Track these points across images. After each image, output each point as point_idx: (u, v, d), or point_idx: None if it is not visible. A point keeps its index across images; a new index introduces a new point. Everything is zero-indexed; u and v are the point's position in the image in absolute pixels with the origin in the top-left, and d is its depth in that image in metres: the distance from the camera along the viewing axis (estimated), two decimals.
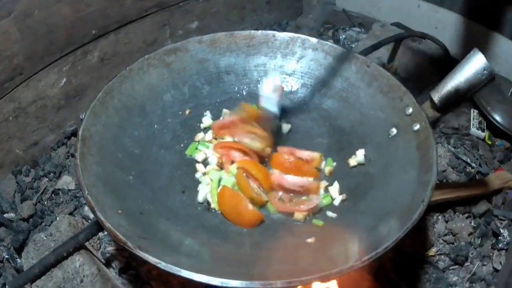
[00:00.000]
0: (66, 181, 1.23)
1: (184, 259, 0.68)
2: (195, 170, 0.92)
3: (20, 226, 1.12)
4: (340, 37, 1.65)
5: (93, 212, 0.70)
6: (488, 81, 0.82)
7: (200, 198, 0.86)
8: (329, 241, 0.76)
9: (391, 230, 0.70)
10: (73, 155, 1.30)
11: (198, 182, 0.90)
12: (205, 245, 0.76)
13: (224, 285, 0.61)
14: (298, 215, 0.83)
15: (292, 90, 1.06)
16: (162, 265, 0.63)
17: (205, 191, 0.86)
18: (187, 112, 1.01)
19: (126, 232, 0.68)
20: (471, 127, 1.35)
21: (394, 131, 0.91)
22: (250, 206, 0.80)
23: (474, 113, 1.39)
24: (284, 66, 1.06)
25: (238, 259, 0.74)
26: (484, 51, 0.81)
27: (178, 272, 0.62)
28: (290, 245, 0.77)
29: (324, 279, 0.63)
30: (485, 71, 0.81)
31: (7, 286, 0.94)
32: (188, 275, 0.62)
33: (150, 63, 0.98)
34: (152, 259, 0.64)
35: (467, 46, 0.86)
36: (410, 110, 0.89)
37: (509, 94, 1.37)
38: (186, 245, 0.75)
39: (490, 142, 1.33)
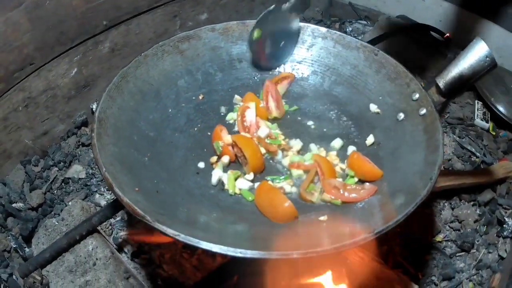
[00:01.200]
0: (77, 170, 1.25)
1: (201, 233, 0.69)
2: (210, 153, 0.93)
3: (28, 215, 1.12)
4: (347, 30, 1.67)
5: (111, 188, 0.71)
6: (490, 68, 0.85)
7: (214, 181, 0.87)
8: (342, 218, 0.78)
9: (402, 206, 0.72)
10: (83, 145, 1.31)
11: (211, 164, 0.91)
12: (221, 222, 0.77)
13: (243, 255, 0.62)
14: (317, 197, 0.84)
15: (303, 76, 1.08)
16: (181, 237, 0.64)
17: (218, 175, 0.87)
18: (200, 97, 1.02)
19: (144, 208, 0.69)
20: (476, 118, 1.37)
21: (401, 115, 0.93)
22: (287, 203, 0.78)
23: (478, 104, 1.41)
24: (295, 54, 1.08)
25: (253, 235, 0.76)
26: (488, 44, 0.84)
27: (197, 243, 0.63)
28: (304, 222, 0.78)
29: (339, 250, 0.65)
30: (487, 58, 0.84)
31: (14, 275, 0.94)
32: (207, 247, 0.63)
33: (165, 49, 1.00)
34: (170, 231, 0.65)
35: (471, 39, 0.88)
36: (417, 95, 0.92)
37: None
38: (202, 222, 0.76)
39: (494, 133, 1.35)
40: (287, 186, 0.86)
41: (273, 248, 0.65)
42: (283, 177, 0.88)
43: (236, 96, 1.03)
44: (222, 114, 1.02)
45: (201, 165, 0.90)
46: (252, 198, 0.84)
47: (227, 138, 0.91)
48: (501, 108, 1.35)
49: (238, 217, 0.80)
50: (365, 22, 1.74)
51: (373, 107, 0.98)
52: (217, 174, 0.87)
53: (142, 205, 0.70)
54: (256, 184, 0.86)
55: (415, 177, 0.79)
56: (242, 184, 0.86)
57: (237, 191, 0.85)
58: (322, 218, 0.79)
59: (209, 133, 0.96)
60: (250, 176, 0.87)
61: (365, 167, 0.87)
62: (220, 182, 0.87)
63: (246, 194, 0.84)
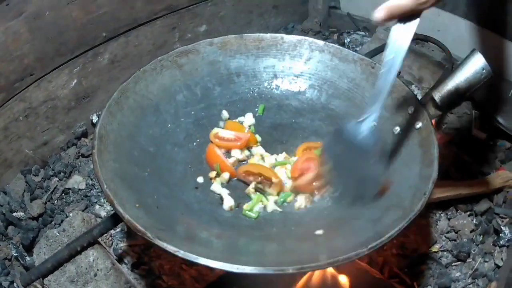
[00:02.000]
0: (77, 181, 1.25)
1: (200, 249, 0.71)
2: (207, 168, 0.95)
3: (29, 224, 1.13)
4: (345, 41, 1.68)
5: (112, 205, 0.72)
6: (486, 80, 0.86)
7: (226, 207, 0.88)
8: (336, 232, 0.79)
9: (395, 221, 0.73)
10: (83, 155, 1.33)
11: (210, 179, 0.93)
12: (219, 237, 0.78)
13: (240, 271, 0.64)
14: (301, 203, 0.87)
15: (300, 90, 1.09)
16: (181, 253, 0.65)
17: (230, 203, 0.88)
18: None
19: (144, 224, 0.70)
20: (473, 128, 1.38)
21: (397, 129, 0.94)
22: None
23: (475, 114, 1.41)
24: (293, 67, 1.08)
25: (250, 249, 0.77)
26: (485, 53, 0.84)
27: (196, 259, 0.65)
28: (300, 237, 0.80)
29: (333, 265, 0.66)
30: (483, 71, 0.85)
31: (15, 283, 0.95)
32: (205, 262, 0.65)
33: (163, 64, 1.00)
34: (171, 248, 0.66)
35: (469, 49, 0.89)
36: (413, 109, 0.92)
37: (510, 95, 1.39)
38: (201, 237, 0.77)
39: (491, 143, 1.36)
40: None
41: (269, 264, 0.66)
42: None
43: (223, 111, 1.04)
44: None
45: (200, 179, 0.92)
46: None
47: (226, 175, 0.92)
48: (498, 118, 1.36)
49: (236, 232, 0.81)
50: (363, 33, 1.75)
51: None
52: (229, 201, 0.88)
53: (142, 222, 0.71)
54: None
55: (410, 191, 0.79)
56: (271, 206, 0.88)
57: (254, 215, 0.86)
58: (318, 232, 0.80)
59: (207, 147, 0.98)
60: (275, 197, 0.90)
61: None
62: (219, 198, 0.89)
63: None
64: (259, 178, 0.89)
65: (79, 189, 1.24)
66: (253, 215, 0.85)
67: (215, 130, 0.99)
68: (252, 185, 0.89)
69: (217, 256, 0.66)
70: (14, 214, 1.14)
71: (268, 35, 1.08)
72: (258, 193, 0.89)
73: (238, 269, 0.64)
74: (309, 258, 0.67)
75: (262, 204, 0.88)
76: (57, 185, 1.25)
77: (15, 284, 0.96)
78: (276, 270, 0.64)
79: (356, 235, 0.75)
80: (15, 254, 1.05)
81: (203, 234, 0.78)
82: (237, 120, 1.04)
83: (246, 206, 0.87)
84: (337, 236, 0.78)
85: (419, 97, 0.96)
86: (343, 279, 0.90)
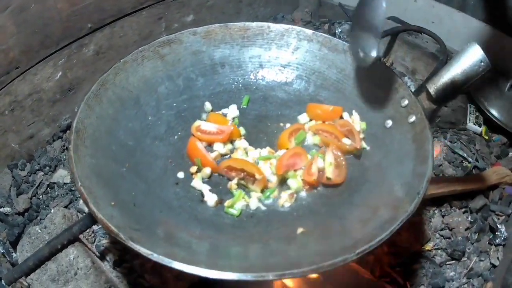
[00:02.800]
0: (62, 175, 1.24)
1: (177, 250, 0.68)
2: (189, 163, 0.91)
3: (15, 220, 1.12)
4: (336, 31, 1.65)
5: (86, 203, 0.70)
6: (484, 73, 0.82)
7: (211, 203, 0.84)
8: (322, 233, 0.76)
9: (386, 222, 0.69)
10: (67, 149, 1.30)
11: (191, 174, 0.89)
12: (198, 237, 0.75)
13: (216, 277, 0.61)
14: (285, 200, 0.84)
15: (287, 81, 1.05)
16: (154, 256, 0.63)
17: (214, 199, 0.85)
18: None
19: (118, 224, 0.68)
20: (468, 122, 1.35)
21: (389, 122, 0.91)
22: None
23: (471, 108, 1.38)
24: (279, 57, 1.05)
25: (231, 251, 0.73)
26: (481, 46, 0.81)
27: (170, 263, 0.62)
28: (284, 238, 0.76)
29: (316, 271, 0.63)
30: (481, 63, 0.82)
31: (2, 281, 0.94)
32: (179, 267, 0.62)
33: (145, 55, 0.97)
34: (144, 251, 0.63)
35: (464, 41, 0.85)
36: (406, 102, 0.89)
37: (506, 89, 1.37)
38: (179, 237, 0.74)
39: (487, 137, 1.33)
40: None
41: (251, 268, 0.64)
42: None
43: (206, 103, 1.01)
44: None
45: (181, 175, 0.88)
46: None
47: (207, 170, 0.88)
48: (494, 112, 1.33)
49: (217, 231, 0.78)
50: None
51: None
52: (212, 197, 0.84)
53: (116, 221, 0.68)
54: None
55: (402, 190, 0.76)
56: (254, 203, 0.84)
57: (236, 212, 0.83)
58: (299, 230, 0.77)
59: (188, 140, 0.94)
60: (259, 193, 0.86)
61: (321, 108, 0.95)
62: (200, 194, 0.85)
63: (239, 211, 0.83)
64: (242, 174, 0.86)
65: (64, 183, 1.22)
66: (235, 212, 0.82)
67: (197, 122, 0.96)
68: (234, 181, 0.86)
69: (194, 259, 0.64)
70: (1, 209, 1.13)
71: (254, 23, 1.04)
72: (240, 189, 0.85)
73: (216, 275, 0.61)
74: (292, 263, 0.64)
75: (244, 201, 0.84)
76: (42, 180, 1.23)
77: (2, 282, 0.94)
78: (255, 277, 0.61)
79: (344, 237, 0.72)
80: (1, 251, 1.05)
81: (182, 234, 0.75)
82: (220, 112, 1.01)
83: (227, 203, 0.83)
84: (324, 238, 0.75)
85: (413, 89, 0.92)
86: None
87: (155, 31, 1.46)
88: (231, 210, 0.82)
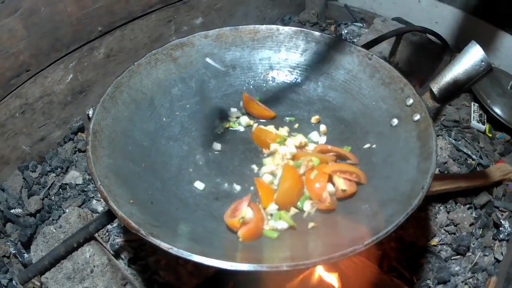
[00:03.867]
0: (74, 176, 1.25)
1: (194, 245, 0.70)
2: None
3: (27, 221, 1.13)
4: (343, 32, 1.67)
5: (106, 202, 0.72)
6: (486, 72, 0.84)
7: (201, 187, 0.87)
8: (332, 227, 0.78)
9: (392, 215, 0.72)
10: (80, 150, 1.32)
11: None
12: (214, 232, 0.78)
13: (233, 268, 0.63)
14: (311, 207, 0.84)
15: (297, 82, 1.08)
16: (174, 250, 0.65)
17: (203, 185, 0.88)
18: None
19: (138, 220, 0.70)
20: (472, 120, 1.37)
21: (395, 121, 0.93)
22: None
23: (474, 106, 1.40)
24: (289, 59, 1.08)
25: (246, 245, 0.76)
26: (484, 45, 0.83)
27: (190, 256, 0.64)
28: (296, 232, 0.79)
29: (328, 262, 0.65)
30: (482, 63, 0.83)
31: (13, 281, 0.95)
32: (199, 260, 0.64)
33: (158, 58, 1.00)
34: (164, 245, 0.65)
35: (467, 41, 0.87)
36: (411, 101, 0.91)
37: (509, 87, 1.38)
38: (196, 233, 0.76)
39: (490, 135, 1.35)
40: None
41: (263, 261, 0.66)
42: None
43: (232, 109, 1.03)
44: (215, 122, 1.02)
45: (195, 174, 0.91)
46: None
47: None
48: (497, 110, 1.35)
49: None
50: (360, 24, 1.74)
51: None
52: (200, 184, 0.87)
53: (136, 218, 0.71)
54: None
55: (407, 185, 0.78)
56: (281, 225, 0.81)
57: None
58: (310, 225, 0.79)
59: (202, 140, 0.97)
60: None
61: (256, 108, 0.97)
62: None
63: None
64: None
65: (76, 184, 1.23)
66: (274, 235, 0.78)
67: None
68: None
69: (211, 252, 0.66)
70: (12, 211, 1.14)
71: (264, 26, 1.07)
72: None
73: (232, 266, 0.63)
74: (303, 254, 0.66)
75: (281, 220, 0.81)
76: (54, 181, 1.24)
77: (14, 282, 0.96)
78: (270, 268, 0.63)
79: (352, 230, 0.74)
80: (13, 252, 1.05)
81: (197, 229, 0.77)
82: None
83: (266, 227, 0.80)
84: (333, 231, 0.77)
85: (417, 88, 0.94)
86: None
87: (164, 34, 1.47)
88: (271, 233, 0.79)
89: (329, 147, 0.93)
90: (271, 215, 0.82)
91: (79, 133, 1.36)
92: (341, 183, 0.84)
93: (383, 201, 0.79)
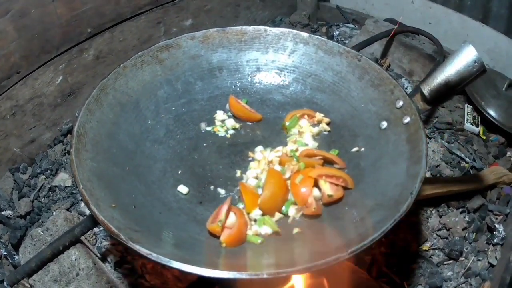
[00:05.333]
0: (63, 178, 1.25)
1: (176, 251, 0.69)
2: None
3: (17, 223, 1.13)
4: (334, 34, 1.66)
5: (88, 205, 0.71)
6: (479, 73, 0.82)
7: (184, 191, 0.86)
8: (317, 233, 0.77)
9: (379, 222, 0.70)
10: (69, 152, 1.31)
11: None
12: (197, 237, 0.76)
13: (213, 275, 0.62)
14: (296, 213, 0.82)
15: (284, 84, 1.06)
16: (153, 256, 0.64)
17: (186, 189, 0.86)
18: None
19: (119, 225, 0.69)
20: (465, 122, 1.35)
21: (384, 124, 0.91)
22: None
23: (468, 108, 1.39)
24: (276, 60, 1.06)
25: (229, 251, 0.74)
26: (478, 46, 0.81)
27: (169, 263, 0.63)
28: (280, 238, 0.77)
29: (310, 270, 0.64)
30: (476, 63, 0.81)
31: (5, 282, 0.95)
32: (178, 266, 0.63)
33: (144, 60, 0.98)
34: (143, 251, 0.64)
35: (460, 41, 0.86)
36: (401, 103, 0.89)
37: (504, 89, 1.37)
38: (179, 238, 0.75)
39: (484, 137, 1.34)
40: None
41: (245, 267, 0.65)
42: None
43: (218, 112, 1.02)
44: (201, 125, 1.00)
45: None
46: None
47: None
48: (492, 112, 1.33)
49: None
50: (352, 26, 1.73)
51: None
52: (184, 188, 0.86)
53: (117, 222, 0.70)
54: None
55: (396, 190, 0.77)
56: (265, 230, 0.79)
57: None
58: (295, 230, 0.78)
59: (187, 143, 0.96)
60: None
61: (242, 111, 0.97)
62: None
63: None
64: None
65: (65, 187, 1.23)
66: (258, 240, 0.76)
67: None
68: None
69: (192, 258, 0.65)
70: (3, 212, 1.14)
71: (251, 27, 1.05)
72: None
73: (212, 273, 0.62)
74: (287, 261, 0.65)
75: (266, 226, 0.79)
76: (44, 183, 1.24)
77: (5, 283, 0.95)
78: (250, 275, 0.62)
79: (337, 236, 0.73)
80: (4, 253, 1.05)
81: (180, 234, 0.76)
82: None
83: (250, 232, 0.78)
84: (318, 238, 0.76)
85: (409, 91, 0.93)
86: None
87: (154, 35, 1.47)
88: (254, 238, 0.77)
89: (315, 151, 0.91)
90: (255, 220, 0.80)
91: (68, 135, 1.36)
92: (327, 188, 0.82)
93: (371, 207, 0.77)
